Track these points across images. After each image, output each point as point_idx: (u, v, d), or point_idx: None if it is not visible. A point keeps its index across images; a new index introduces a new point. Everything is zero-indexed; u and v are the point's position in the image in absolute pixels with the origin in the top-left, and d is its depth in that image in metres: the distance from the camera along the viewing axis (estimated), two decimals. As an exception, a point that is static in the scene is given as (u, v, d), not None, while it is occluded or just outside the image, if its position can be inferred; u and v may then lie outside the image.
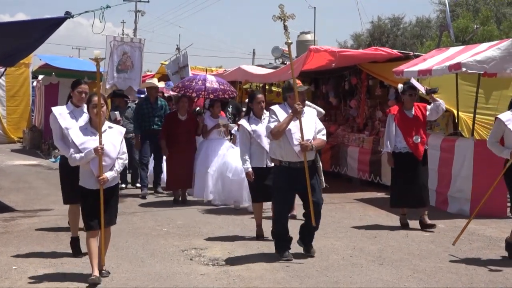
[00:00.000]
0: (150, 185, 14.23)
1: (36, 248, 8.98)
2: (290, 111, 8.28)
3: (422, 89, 10.60)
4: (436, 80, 12.75)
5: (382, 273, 7.75)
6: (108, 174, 7.38)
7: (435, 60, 12.40)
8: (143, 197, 13.55)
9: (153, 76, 22.06)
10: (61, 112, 8.54)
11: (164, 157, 13.61)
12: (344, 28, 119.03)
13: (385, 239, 9.60)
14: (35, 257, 8.51)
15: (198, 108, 14.26)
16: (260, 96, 9.83)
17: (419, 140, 10.35)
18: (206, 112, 13.32)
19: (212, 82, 13.49)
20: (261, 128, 9.48)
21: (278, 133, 8.27)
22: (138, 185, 14.54)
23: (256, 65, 23.37)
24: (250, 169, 9.51)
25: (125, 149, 7.69)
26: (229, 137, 13.02)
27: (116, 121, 13.40)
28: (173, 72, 18.03)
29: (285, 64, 21.48)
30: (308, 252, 8.62)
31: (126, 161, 7.79)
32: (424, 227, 10.26)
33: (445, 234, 9.95)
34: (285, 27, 8.52)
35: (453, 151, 11.88)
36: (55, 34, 11.22)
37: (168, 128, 12.85)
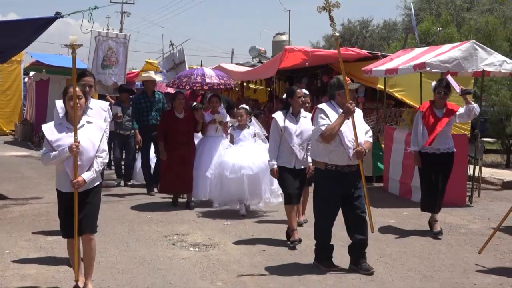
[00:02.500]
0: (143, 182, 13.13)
1: (28, 233, 8.91)
2: (341, 111, 6.97)
3: (457, 88, 9.32)
4: (402, 78, 12.85)
5: (351, 257, 7.78)
6: (85, 176, 6.10)
7: (401, 59, 12.47)
8: (153, 194, 12.34)
9: (137, 74, 21.22)
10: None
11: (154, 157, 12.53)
12: (316, 29, 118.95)
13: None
14: (27, 241, 8.46)
15: (195, 104, 12.57)
16: (300, 91, 8.53)
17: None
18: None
19: (211, 77, 12.40)
20: (294, 127, 8.35)
21: (330, 136, 6.92)
22: (129, 183, 13.70)
23: (235, 64, 23.36)
24: (276, 166, 8.39)
25: (105, 146, 6.36)
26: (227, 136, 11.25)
27: (116, 117, 12.95)
28: (168, 69, 16.69)
29: (262, 63, 21.47)
30: (367, 271, 7.06)
31: (106, 160, 6.39)
32: (432, 232, 9.06)
33: (409, 221, 10.03)
34: (331, 18, 7.01)
35: (417, 144, 11.90)
36: (45, 33, 11.16)
37: (165, 128, 11.14)
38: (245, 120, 10.64)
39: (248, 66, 20.54)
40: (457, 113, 9.28)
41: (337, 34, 7.10)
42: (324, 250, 7.33)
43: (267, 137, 10.42)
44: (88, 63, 13.55)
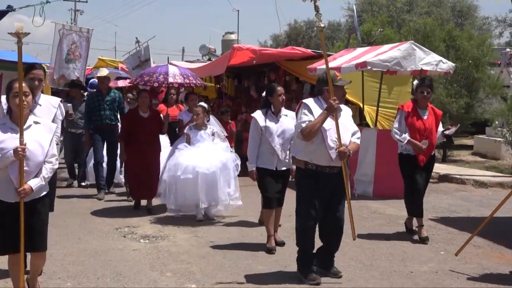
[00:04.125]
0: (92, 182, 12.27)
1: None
2: (325, 107, 6.32)
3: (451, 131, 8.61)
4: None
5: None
6: (32, 183, 5.18)
7: (344, 59, 12.60)
8: (101, 199, 11.18)
9: (90, 70, 20.44)
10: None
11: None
12: (264, 29, 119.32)
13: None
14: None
15: (155, 102, 11.74)
16: (280, 88, 7.84)
17: (426, 145, 8.30)
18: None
19: (175, 76, 10.56)
20: (275, 127, 7.71)
21: (311, 134, 6.22)
22: (83, 183, 12.59)
23: (185, 61, 23.27)
24: (254, 169, 7.72)
25: (55, 150, 5.48)
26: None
27: (67, 114, 11.25)
28: (134, 67, 15.55)
29: (212, 60, 21.42)
30: (336, 275, 6.63)
31: (56, 166, 5.46)
32: (420, 239, 8.38)
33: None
34: (316, 8, 6.28)
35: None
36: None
37: (128, 128, 10.07)
38: (202, 119, 9.70)
39: (198, 63, 20.46)
40: (438, 128, 8.58)
41: (322, 25, 6.34)
42: (305, 256, 6.55)
43: (227, 137, 10.20)
44: (51, 56, 12.71)
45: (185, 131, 9.93)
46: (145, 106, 10.18)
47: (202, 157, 9.31)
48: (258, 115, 7.79)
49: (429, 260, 7.43)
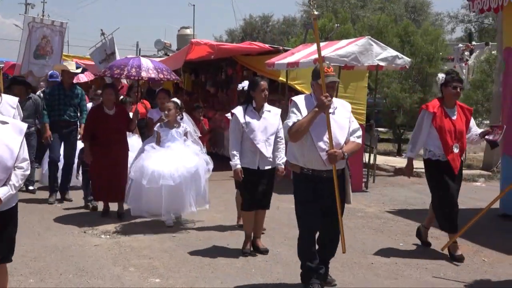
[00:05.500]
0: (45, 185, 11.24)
1: None
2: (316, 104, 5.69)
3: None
4: (302, 71, 13.02)
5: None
6: (1, 192, 4.59)
7: (302, 54, 12.67)
8: (52, 203, 10.24)
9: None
10: None
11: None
12: (220, 24, 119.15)
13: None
14: None
15: (122, 97, 11.01)
16: (264, 83, 7.25)
17: (457, 149, 7.26)
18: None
19: (148, 70, 9.96)
20: (257, 123, 7.18)
21: (298, 134, 5.62)
22: (31, 187, 11.15)
23: (141, 56, 23.10)
24: (239, 166, 7.14)
25: (26, 154, 4.82)
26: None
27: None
28: (101, 60, 14.88)
29: (168, 55, 21.33)
30: (330, 284, 6.21)
31: (28, 172, 4.83)
32: (452, 257, 7.29)
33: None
34: None
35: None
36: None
37: (93, 126, 9.26)
38: (174, 115, 8.86)
39: (155, 59, 20.36)
40: (470, 128, 7.54)
41: (317, 13, 5.93)
42: (306, 268, 6.01)
43: (200, 138, 9.62)
44: (19, 52, 12.16)
45: (155, 128, 9.01)
46: (111, 102, 9.35)
47: (170, 162, 8.48)
48: (238, 111, 7.27)
49: (388, 251, 7.58)
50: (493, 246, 7.86)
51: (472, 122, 7.56)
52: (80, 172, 10.36)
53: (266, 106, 7.34)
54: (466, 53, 19.12)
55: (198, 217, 8.86)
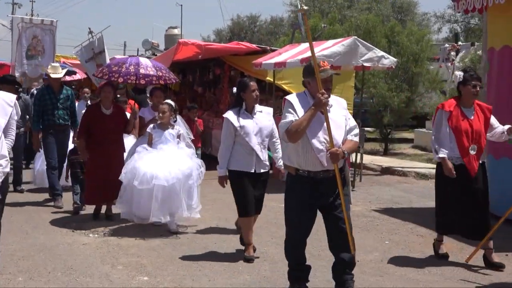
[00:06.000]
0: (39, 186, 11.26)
1: None
2: (312, 103, 5.44)
3: None
4: (289, 71, 13.11)
5: (245, 239, 7.92)
6: None
7: (289, 54, 12.75)
8: (61, 207, 9.90)
9: None
10: None
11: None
12: (207, 24, 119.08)
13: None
14: None
15: (119, 96, 10.78)
16: (253, 83, 7.11)
17: (474, 151, 6.87)
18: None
19: (147, 67, 9.71)
20: (251, 125, 6.99)
21: (296, 134, 5.36)
22: (19, 188, 11.23)
23: (128, 56, 23.11)
24: (223, 174, 7.05)
25: (5, 151, 4.87)
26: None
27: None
28: (87, 59, 14.40)
29: (155, 55, 21.35)
30: None
31: (7, 169, 4.91)
32: (489, 265, 6.91)
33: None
34: None
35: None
36: None
37: (89, 125, 9.04)
38: (168, 117, 8.71)
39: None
40: (493, 123, 7.10)
41: (306, 7, 5.71)
42: (294, 270, 5.96)
43: (193, 141, 9.46)
44: (12, 53, 12.02)
45: (148, 130, 8.84)
46: (109, 101, 9.13)
47: (162, 164, 8.35)
48: (230, 115, 7.01)
49: (374, 249, 7.68)
50: (475, 243, 7.96)
51: (493, 119, 7.11)
52: (69, 173, 10.17)
53: (258, 107, 7.21)
54: (452, 53, 19.32)
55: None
